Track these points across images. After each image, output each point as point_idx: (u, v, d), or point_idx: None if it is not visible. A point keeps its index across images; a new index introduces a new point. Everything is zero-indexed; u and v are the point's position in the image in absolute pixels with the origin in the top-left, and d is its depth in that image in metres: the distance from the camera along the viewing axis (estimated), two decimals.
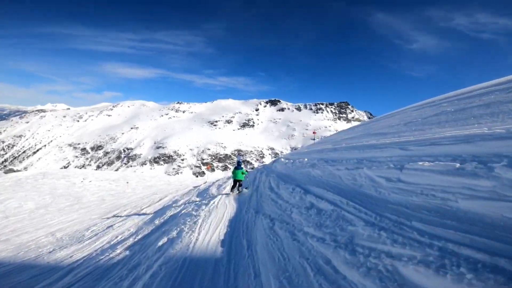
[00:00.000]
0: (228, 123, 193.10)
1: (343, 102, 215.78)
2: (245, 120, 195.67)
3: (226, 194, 10.25)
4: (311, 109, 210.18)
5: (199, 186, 15.73)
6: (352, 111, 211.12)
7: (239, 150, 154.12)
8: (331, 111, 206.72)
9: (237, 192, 10.07)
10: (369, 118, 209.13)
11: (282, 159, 12.27)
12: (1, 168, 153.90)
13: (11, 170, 32.70)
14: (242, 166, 10.67)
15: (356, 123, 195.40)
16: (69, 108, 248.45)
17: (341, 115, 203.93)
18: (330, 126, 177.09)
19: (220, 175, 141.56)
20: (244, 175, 10.23)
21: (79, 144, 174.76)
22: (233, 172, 10.40)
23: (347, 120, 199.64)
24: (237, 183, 10.20)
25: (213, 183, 15.25)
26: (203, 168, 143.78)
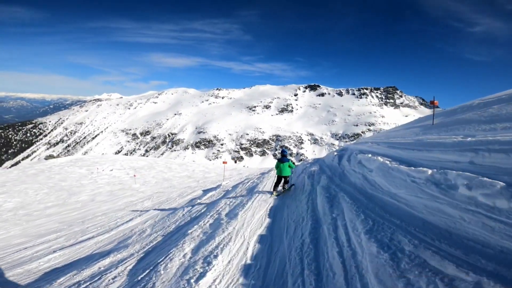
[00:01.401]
0: (267, 108, 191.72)
1: (391, 87, 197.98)
2: (284, 105, 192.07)
3: (266, 192, 7.98)
4: (353, 94, 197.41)
5: (216, 188, 11.29)
6: (401, 96, 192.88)
7: (277, 136, 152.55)
8: (377, 96, 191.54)
9: (282, 191, 7.79)
10: (420, 104, 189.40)
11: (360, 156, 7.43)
12: (65, 152, 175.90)
13: (51, 157, 35.95)
14: (289, 157, 8.68)
15: (405, 109, 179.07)
16: (121, 97, 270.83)
17: (388, 100, 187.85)
18: (375, 112, 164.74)
19: (258, 162, 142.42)
20: (291, 168, 7.90)
21: (130, 130, 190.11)
22: (277, 166, 7.86)
23: (395, 105, 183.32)
24: (282, 179, 7.81)
25: (242, 182, 11.61)
26: (242, 153, 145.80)
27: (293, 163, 8.21)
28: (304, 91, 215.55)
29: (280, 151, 8.18)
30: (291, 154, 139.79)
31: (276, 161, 8.21)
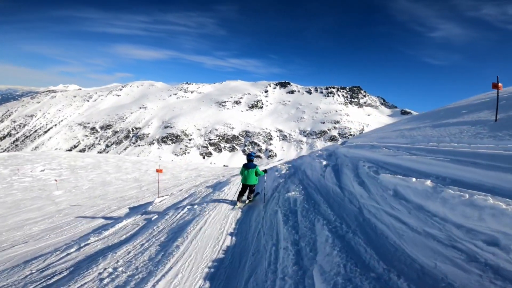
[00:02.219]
0: (237, 104, 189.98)
1: (356, 87, 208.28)
2: (254, 101, 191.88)
3: (229, 202, 6.76)
4: (321, 92, 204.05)
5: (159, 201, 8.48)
6: (365, 96, 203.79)
7: (247, 131, 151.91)
8: (343, 95, 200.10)
9: (247, 202, 6.74)
10: (381, 103, 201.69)
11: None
12: (13, 147, 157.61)
13: None
14: (256, 163, 7.13)
15: (368, 108, 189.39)
16: (80, 89, 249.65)
17: (352, 99, 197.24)
18: (341, 110, 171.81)
19: (227, 157, 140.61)
20: (259, 176, 6.83)
21: (88, 123, 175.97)
22: (242, 172, 6.79)
23: (359, 105, 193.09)
24: (247, 188, 6.79)
25: (192, 194, 9.19)
26: (210, 149, 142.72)
27: (262, 171, 7.01)
28: (275, 88, 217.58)
29: (247, 155, 7.14)
30: (260, 150, 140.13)
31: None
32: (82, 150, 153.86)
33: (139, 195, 10.79)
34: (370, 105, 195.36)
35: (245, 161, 6.99)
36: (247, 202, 6.74)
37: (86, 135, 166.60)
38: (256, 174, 6.69)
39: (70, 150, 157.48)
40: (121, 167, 19.67)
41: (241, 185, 6.85)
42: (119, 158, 25.53)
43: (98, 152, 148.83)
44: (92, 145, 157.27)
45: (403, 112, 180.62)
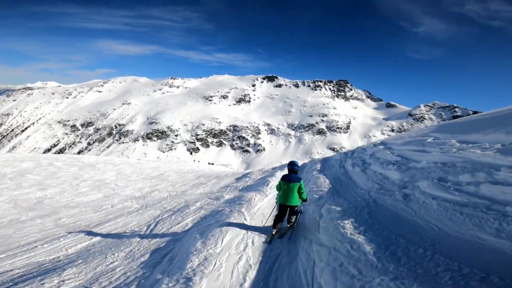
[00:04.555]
0: (224, 98, 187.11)
1: (342, 80, 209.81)
2: (241, 95, 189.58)
3: (257, 231, 4.86)
4: (309, 86, 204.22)
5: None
6: (351, 89, 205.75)
7: (234, 126, 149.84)
8: (330, 88, 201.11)
9: (285, 230, 4.85)
10: (367, 97, 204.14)
11: None
12: None
13: None
14: (300, 177, 5.02)
15: (354, 101, 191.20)
16: (59, 86, 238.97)
17: (339, 93, 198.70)
18: (328, 104, 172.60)
19: (214, 153, 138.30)
20: (302, 193, 4.85)
21: (68, 121, 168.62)
22: (280, 187, 4.92)
23: (346, 98, 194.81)
24: (287, 211, 4.86)
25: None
26: (198, 144, 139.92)
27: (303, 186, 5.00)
28: (262, 82, 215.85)
29: (288, 163, 5.27)
30: (248, 144, 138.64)
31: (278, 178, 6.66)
32: (63, 149, 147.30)
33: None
34: (356, 98, 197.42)
35: (286, 174, 5.06)
36: (287, 228, 4.85)
37: (66, 133, 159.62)
38: (299, 191, 4.77)
39: (49, 150, 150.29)
40: (56, 174, 12.79)
41: (278, 205, 4.96)
42: (71, 159, 18.10)
43: (79, 151, 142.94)
44: (73, 144, 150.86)
45: (388, 105, 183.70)
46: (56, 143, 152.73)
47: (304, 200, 5.07)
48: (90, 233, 5.40)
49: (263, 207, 6.73)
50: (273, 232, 4.58)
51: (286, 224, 4.90)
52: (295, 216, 4.92)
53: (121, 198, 9.06)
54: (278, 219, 4.72)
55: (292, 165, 5.07)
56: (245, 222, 5.14)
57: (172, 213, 6.73)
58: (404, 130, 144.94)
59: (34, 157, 18.12)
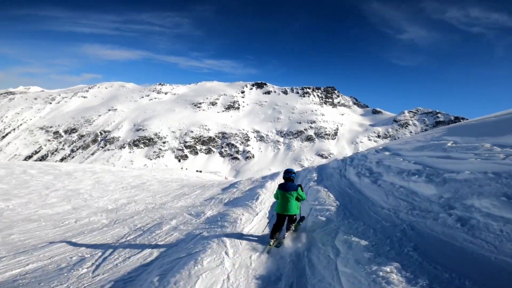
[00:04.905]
0: (213, 105, 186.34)
1: (330, 87, 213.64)
2: (230, 102, 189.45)
3: (255, 240, 4.78)
4: (297, 92, 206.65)
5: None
6: (338, 96, 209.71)
7: (223, 133, 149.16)
8: (318, 95, 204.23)
9: (283, 239, 4.69)
10: (354, 103, 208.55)
11: None
12: None
13: None
14: (297, 183, 5.24)
15: (342, 108, 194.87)
16: (43, 91, 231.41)
17: (327, 99, 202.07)
18: (316, 110, 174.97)
19: (203, 160, 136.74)
20: (300, 201, 4.99)
21: (51, 127, 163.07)
22: (277, 196, 4.96)
23: (333, 104, 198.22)
24: (285, 220, 4.82)
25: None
26: (186, 151, 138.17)
27: (302, 189, 4.99)
28: (251, 89, 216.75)
29: (284, 171, 5.23)
30: (237, 152, 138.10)
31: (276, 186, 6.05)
32: (45, 156, 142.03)
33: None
34: (343, 105, 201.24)
35: (283, 182, 5.00)
36: (285, 236, 4.71)
37: (49, 140, 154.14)
38: (298, 198, 4.79)
39: (30, 157, 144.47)
40: (27, 182, 12.46)
41: (276, 215, 4.89)
42: (47, 167, 17.03)
43: (62, 158, 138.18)
44: (56, 151, 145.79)
45: (374, 112, 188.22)
46: (38, 150, 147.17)
47: (304, 195, 5.02)
48: (31, 256, 4.57)
49: (252, 230, 5.36)
50: (271, 243, 4.48)
51: (284, 233, 4.79)
52: (294, 224, 4.93)
53: (90, 211, 8.32)
54: (276, 228, 4.67)
55: (288, 174, 5.02)
56: (226, 260, 3.75)
57: (140, 233, 5.72)
58: (390, 136, 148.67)
59: (8, 165, 16.88)
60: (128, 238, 5.48)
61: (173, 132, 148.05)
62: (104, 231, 6.09)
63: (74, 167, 18.50)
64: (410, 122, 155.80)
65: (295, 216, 4.88)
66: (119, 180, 15.18)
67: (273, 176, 13.60)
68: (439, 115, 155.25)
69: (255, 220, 6.09)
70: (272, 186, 10.40)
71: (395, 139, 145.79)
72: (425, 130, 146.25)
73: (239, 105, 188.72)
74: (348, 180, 8.32)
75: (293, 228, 4.89)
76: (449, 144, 6.08)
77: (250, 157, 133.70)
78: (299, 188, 4.85)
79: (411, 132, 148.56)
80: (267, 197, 8.55)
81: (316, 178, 10.40)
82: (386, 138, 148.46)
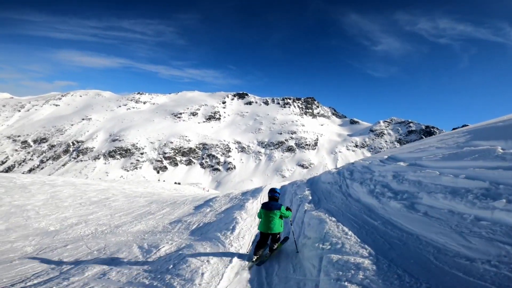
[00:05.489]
0: (193, 115, 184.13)
1: (310, 98, 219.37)
2: (211, 112, 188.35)
3: (240, 257, 4.78)
4: (278, 103, 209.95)
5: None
6: (318, 106, 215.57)
7: (204, 144, 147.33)
8: (298, 106, 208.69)
9: (267, 256, 4.84)
10: (332, 114, 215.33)
11: None
12: None
13: None
14: (285, 201, 5.18)
15: (321, 118, 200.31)
16: (12, 97, 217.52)
17: (307, 110, 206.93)
18: (297, 121, 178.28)
19: (183, 171, 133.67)
20: (285, 218, 5.05)
21: (19, 136, 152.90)
22: (261, 215, 4.92)
23: (313, 115, 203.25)
24: (269, 238, 4.92)
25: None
26: (165, 162, 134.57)
27: (288, 209, 5.11)
28: (233, 99, 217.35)
29: (269, 190, 5.23)
30: (218, 163, 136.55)
31: (267, 188, 5.57)
32: (12, 167, 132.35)
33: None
34: (323, 115, 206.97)
35: (266, 201, 5.10)
36: (268, 255, 4.85)
37: (16, 150, 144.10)
38: (282, 217, 4.88)
39: None
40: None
41: (259, 233, 5.04)
42: (1, 179, 15.58)
43: (31, 169, 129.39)
44: (23, 161, 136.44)
45: (352, 122, 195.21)
46: (5, 160, 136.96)
47: (289, 213, 5.06)
48: None
49: None
50: (254, 259, 4.57)
51: (267, 253, 4.88)
52: (277, 244, 4.97)
53: (23, 234, 7.35)
54: (259, 246, 4.75)
55: (272, 193, 5.05)
56: None
57: (55, 276, 4.44)
58: (367, 145, 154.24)
59: None
60: (26, 285, 4.17)
61: (151, 142, 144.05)
62: (8, 267, 4.95)
63: (32, 180, 16.89)
64: (385, 132, 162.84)
65: (278, 235, 4.95)
66: (79, 194, 13.96)
67: (254, 193, 11.74)
68: (411, 124, 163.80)
69: (228, 273, 4.04)
70: (254, 208, 9.02)
71: (372, 148, 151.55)
72: (399, 139, 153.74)
73: (220, 115, 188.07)
74: (358, 201, 6.39)
75: (275, 248, 4.96)
76: (500, 151, 4.57)
77: (232, 168, 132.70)
78: (282, 207, 4.88)
79: (386, 141, 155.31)
80: (248, 226, 6.80)
81: (310, 198, 8.28)
82: (363, 147, 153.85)
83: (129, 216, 9.88)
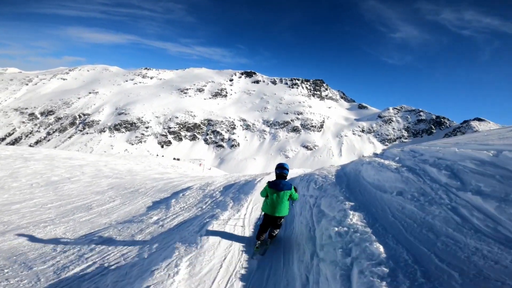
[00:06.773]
0: (200, 91, 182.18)
1: (319, 80, 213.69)
2: (218, 89, 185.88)
3: (243, 242, 4.06)
4: (286, 83, 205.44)
5: None
6: (326, 89, 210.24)
7: (209, 120, 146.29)
8: (306, 87, 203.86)
9: (268, 244, 4.13)
10: (341, 97, 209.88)
11: None
12: None
13: None
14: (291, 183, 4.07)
15: (329, 101, 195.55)
16: (20, 72, 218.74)
17: (315, 92, 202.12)
18: (304, 102, 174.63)
19: (188, 147, 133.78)
20: (293, 201, 4.22)
21: (26, 109, 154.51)
22: (266, 194, 4.05)
23: (321, 97, 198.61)
24: (274, 222, 4.03)
25: None
26: (170, 137, 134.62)
27: (296, 190, 4.14)
28: (240, 77, 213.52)
29: (276, 166, 4.19)
30: (222, 139, 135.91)
31: (265, 183, 4.88)
32: (19, 139, 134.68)
33: None
34: (331, 98, 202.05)
35: (274, 180, 4.10)
36: (269, 242, 4.17)
37: (23, 122, 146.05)
38: (290, 198, 4.05)
39: (3, 139, 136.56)
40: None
41: (263, 215, 4.14)
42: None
43: (37, 141, 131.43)
44: (30, 133, 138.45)
45: (360, 107, 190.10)
46: (11, 132, 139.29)
47: (297, 195, 4.19)
48: None
49: None
50: (257, 245, 3.97)
51: (267, 239, 4.19)
52: (278, 230, 4.22)
53: None
54: (263, 229, 4.03)
55: (281, 169, 4.07)
56: None
57: None
58: (374, 131, 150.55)
59: None
60: None
61: (157, 117, 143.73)
62: None
63: (11, 152, 13.17)
64: (394, 119, 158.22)
65: (282, 219, 4.16)
66: (45, 171, 10.83)
67: (240, 193, 7.28)
68: (421, 113, 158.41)
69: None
70: (222, 245, 4.48)
71: (378, 134, 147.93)
72: (407, 127, 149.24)
73: (226, 92, 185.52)
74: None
75: (275, 235, 4.23)
76: None
77: (235, 146, 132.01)
78: (293, 187, 4.02)
79: (393, 128, 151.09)
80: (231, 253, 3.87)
81: (374, 246, 2.66)
82: (369, 133, 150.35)
83: (61, 209, 6.83)
